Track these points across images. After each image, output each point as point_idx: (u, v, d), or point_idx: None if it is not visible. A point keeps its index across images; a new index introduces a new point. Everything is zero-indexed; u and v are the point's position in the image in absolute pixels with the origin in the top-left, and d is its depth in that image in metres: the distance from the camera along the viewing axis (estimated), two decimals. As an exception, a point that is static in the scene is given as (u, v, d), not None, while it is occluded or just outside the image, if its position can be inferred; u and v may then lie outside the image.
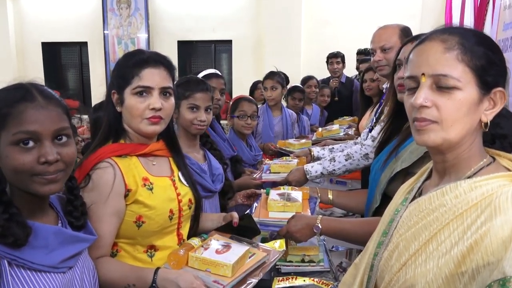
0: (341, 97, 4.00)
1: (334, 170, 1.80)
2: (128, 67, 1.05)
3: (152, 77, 1.04)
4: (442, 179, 0.73)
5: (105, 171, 1.00)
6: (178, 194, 1.12)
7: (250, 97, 2.40)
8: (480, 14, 2.95)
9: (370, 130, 1.94)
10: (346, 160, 1.79)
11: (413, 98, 0.69)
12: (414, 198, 0.77)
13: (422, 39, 0.72)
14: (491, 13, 2.69)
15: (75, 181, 0.88)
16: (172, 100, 1.08)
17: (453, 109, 0.65)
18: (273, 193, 1.49)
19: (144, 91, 1.04)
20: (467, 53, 0.66)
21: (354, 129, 3.13)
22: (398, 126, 1.29)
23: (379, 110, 1.92)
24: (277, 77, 2.80)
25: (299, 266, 1.26)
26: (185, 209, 1.14)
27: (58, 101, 0.79)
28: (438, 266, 0.63)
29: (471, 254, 0.60)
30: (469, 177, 0.68)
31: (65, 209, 0.85)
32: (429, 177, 0.79)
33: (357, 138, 2.51)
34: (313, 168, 1.80)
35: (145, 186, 1.05)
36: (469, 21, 3.23)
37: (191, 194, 1.17)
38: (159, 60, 1.06)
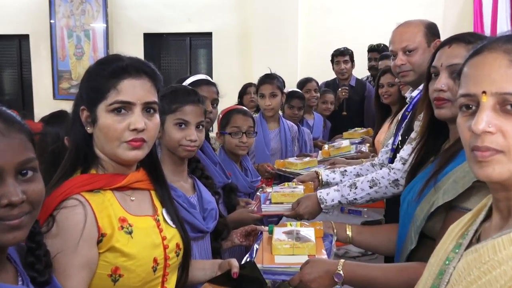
0: (351, 105, 4.06)
1: (355, 199, 1.81)
2: (103, 78, 1.04)
3: (133, 90, 1.04)
4: (507, 221, 0.72)
5: (73, 211, 0.98)
6: (163, 238, 1.11)
7: (245, 108, 2.44)
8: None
9: (393, 150, 1.98)
10: (371, 187, 1.80)
11: (472, 122, 0.69)
12: (470, 243, 0.77)
13: (478, 48, 0.73)
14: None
15: (37, 225, 0.86)
16: (157, 117, 1.09)
17: None
18: (278, 232, 1.46)
19: (123, 107, 1.03)
20: None
21: (368, 145, 3.19)
22: (435, 146, 1.31)
23: (404, 124, 1.96)
24: (277, 82, 2.86)
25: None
26: (172, 257, 1.12)
27: (20, 125, 0.78)
28: None
29: None
30: None
31: (25, 261, 0.84)
32: (487, 216, 0.79)
33: (373, 157, 2.62)
34: (329, 196, 1.81)
35: (122, 229, 1.03)
36: (503, 9, 3.32)
37: (178, 237, 1.16)
38: (142, 69, 1.07)
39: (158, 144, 1.42)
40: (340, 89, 4.02)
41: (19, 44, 6.59)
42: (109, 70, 1.05)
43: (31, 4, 6.26)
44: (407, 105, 2.02)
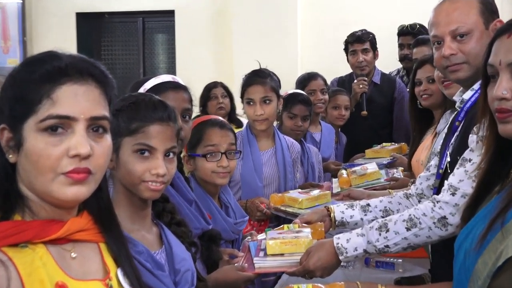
0: (374, 109, 4.14)
1: (387, 246, 1.86)
2: (31, 83, 1.05)
3: (74, 101, 1.06)
4: None
5: None
6: None
7: (221, 118, 2.50)
8: None
9: (439, 176, 2.02)
10: (408, 229, 1.85)
11: None
12: None
13: None
14: None
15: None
16: (108, 139, 1.11)
17: None
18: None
19: (61, 125, 1.05)
20: None
21: (401, 168, 3.28)
22: (501, 171, 1.36)
23: (454, 139, 2.01)
24: (270, 81, 2.91)
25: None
26: None
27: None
28: None
29: None
30: None
31: None
32: None
33: (412, 183, 2.67)
34: (350, 244, 1.86)
35: None
36: None
37: None
38: (87, 70, 1.09)
39: (109, 177, 1.44)
40: (356, 81, 4.11)
41: None
42: (40, 73, 1.05)
43: None
44: (457, 112, 2.05)
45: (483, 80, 1.39)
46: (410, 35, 4.45)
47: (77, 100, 1.06)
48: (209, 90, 4.23)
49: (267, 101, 2.87)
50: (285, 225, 2.22)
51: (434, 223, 1.83)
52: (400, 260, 2.45)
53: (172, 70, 6.35)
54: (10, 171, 1.09)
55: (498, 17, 1.94)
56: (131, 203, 1.53)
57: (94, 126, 1.08)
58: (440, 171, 2.03)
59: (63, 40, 6.29)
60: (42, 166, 1.04)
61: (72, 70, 1.07)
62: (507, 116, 1.27)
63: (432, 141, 2.73)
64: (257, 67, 3.06)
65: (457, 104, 2.01)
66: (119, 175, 1.51)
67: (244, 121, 3.86)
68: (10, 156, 1.07)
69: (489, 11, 1.91)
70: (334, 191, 2.99)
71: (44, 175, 1.05)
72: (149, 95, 1.63)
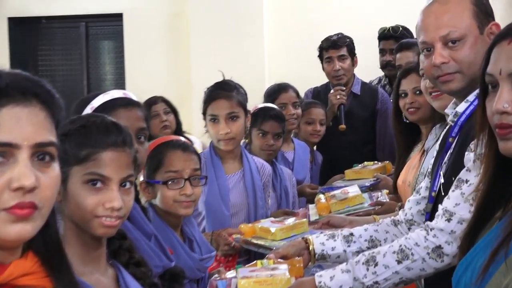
0: (354, 123, 4.21)
1: (377, 282, 1.90)
2: None
3: (16, 125, 1.06)
4: None
5: None
6: None
7: (183, 139, 2.52)
8: None
9: (433, 200, 2.07)
10: (399, 261, 1.89)
11: None
12: None
13: None
14: None
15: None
16: (55, 168, 1.11)
17: None
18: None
19: (1, 154, 1.05)
20: None
21: (386, 192, 3.34)
22: (503, 194, 1.39)
23: (448, 158, 2.06)
24: (236, 94, 2.97)
25: None
26: None
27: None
28: None
29: None
30: None
31: None
32: None
33: (399, 208, 2.75)
34: (334, 282, 1.89)
35: None
36: None
37: None
38: (31, 90, 1.10)
39: (57, 211, 1.39)
40: (332, 92, 4.15)
41: None
42: None
43: None
44: (449, 127, 2.09)
45: (481, 91, 1.41)
46: (392, 38, 4.56)
47: (20, 124, 1.06)
48: (149, 107, 4.18)
49: (234, 118, 2.93)
50: (258, 261, 2.24)
51: (428, 253, 1.87)
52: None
53: (121, 82, 6.40)
54: None
55: (494, 19, 1.99)
56: (83, 241, 1.53)
57: (40, 153, 1.08)
58: (433, 194, 2.07)
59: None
60: None
61: (14, 90, 1.08)
62: (509, 132, 1.29)
63: (420, 160, 2.79)
64: (219, 77, 3.10)
65: (450, 118, 2.05)
66: (68, 209, 1.51)
67: (194, 139, 3.95)
68: None
69: (484, 14, 1.96)
70: (312, 218, 3.03)
71: None
72: (100, 117, 1.63)
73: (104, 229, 1.50)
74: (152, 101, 4.38)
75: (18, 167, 1.05)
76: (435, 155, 2.21)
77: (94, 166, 1.49)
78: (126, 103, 2.01)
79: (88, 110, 1.91)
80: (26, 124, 1.07)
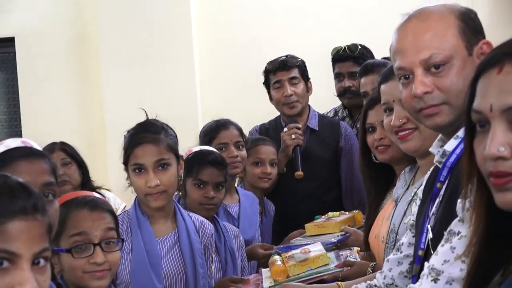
0: (314, 167, 4.05)
1: None
2: None
3: None
4: None
5: None
6: None
7: (96, 196, 2.49)
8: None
9: (419, 260, 2.08)
10: None
11: None
12: None
13: None
14: None
15: None
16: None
17: None
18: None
19: None
20: None
21: (356, 249, 3.31)
22: (503, 251, 1.41)
23: (436, 207, 2.05)
24: (165, 136, 2.88)
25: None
26: None
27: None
28: None
29: None
30: None
31: None
32: None
33: (372, 269, 2.78)
34: None
35: None
36: None
37: None
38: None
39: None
40: (285, 130, 3.95)
41: None
42: None
43: None
44: (434, 169, 2.09)
45: (466, 132, 1.40)
46: (350, 60, 4.43)
47: None
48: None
49: (164, 166, 2.79)
50: None
51: None
52: None
53: (15, 122, 6.25)
54: None
55: (484, 37, 1.96)
56: None
57: None
58: (420, 252, 2.06)
59: None
60: None
61: None
62: (507, 182, 1.29)
63: (393, 208, 2.75)
64: (140, 116, 2.95)
65: (437, 159, 2.01)
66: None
67: (110, 195, 4.00)
68: None
69: (472, 30, 1.92)
70: (265, 286, 2.95)
71: None
72: (3, 177, 1.53)
73: None
74: (48, 149, 4.00)
75: None
76: (418, 203, 2.23)
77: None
78: (27, 153, 1.97)
79: None
80: None
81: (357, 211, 3.65)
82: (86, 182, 4.32)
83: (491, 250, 1.38)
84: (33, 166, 1.93)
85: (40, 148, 2.05)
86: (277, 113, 4.30)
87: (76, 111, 6.04)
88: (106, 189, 4.42)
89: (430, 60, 1.83)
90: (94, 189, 4.16)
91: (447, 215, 1.88)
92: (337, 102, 4.73)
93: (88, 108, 6.00)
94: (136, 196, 2.93)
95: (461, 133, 1.85)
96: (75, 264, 2.14)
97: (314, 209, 3.78)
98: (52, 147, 4.26)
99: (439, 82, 1.85)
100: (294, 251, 3.16)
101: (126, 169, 2.88)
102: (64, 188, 3.91)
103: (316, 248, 3.13)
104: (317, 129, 4.13)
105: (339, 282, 2.71)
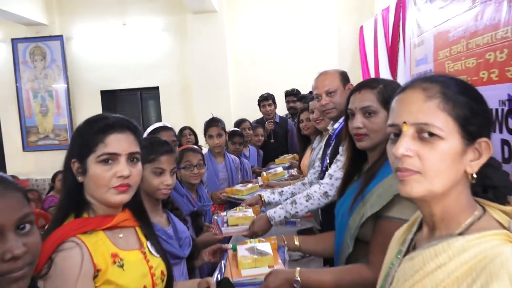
0: (277, 137, 6.44)
1: (297, 212, 2.60)
2: (91, 134, 1.48)
3: (118, 143, 1.48)
4: (433, 234, 1.14)
5: (71, 253, 1.38)
6: (150, 268, 1.61)
7: (195, 146, 3.41)
8: (392, 52, 5.12)
9: (323, 172, 2.78)
10: (307, 201, 2.57)
11: (394, 148, 1.08)
12: (407, 250, 1.21)
13: (403, 87, 1.15)
14: (403, 51, 4.70)
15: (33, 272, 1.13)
16: (139, 166, 1.52)
17: (436, 159, 1.04)
18: (241, 249, 2.24)
19: (111, 159, 1.47)
20: (449, 102, 1.06)
21: (296, 169, 4.93)
22: (357, 167, 1.94)
23: (330, 150, 2.78)
24: (221, 124, 4.21)
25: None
26: (158, 283, 1.63)
27: (14, 184, 1.14)
28: None
29: None
30: (460, 233, 1.07)
31: None
32: (420, 227, 1.22)
33: (303, 177, 3.92)
34: (276, 214, 2.61)
35: (115, 264, 1.46)
36: (383, 59, 5.55)
37: (163, 265, 1.67)
38: (125, 125, 1.50)
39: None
40: (267, 123, 6.39)
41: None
42: (97, 127, 1.46)
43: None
44: (329, 136, 2.79)
45: (345, 118, 1.87)
46: (292, 95, 6.94)
47: (120, 143, 1.46)
48: (181, 131, 5.52)
49: (220, 136, 4.18)
50: (237, 207, 2.99)
51: (321, 195, 2.53)
52: (299, 220, 3.52)
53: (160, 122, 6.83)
54: (80, 187, 1.49)
55: (349, 82, 2.70)
56: (150, 201, 1.92)
57: (131, 158, 1.48)
58: (324, 169, 2.78)
59: (93, 108, 8.95)
60: (100, 184, 1.45)
61: (117, 125, 1.47)
62: (361, 138, 1.78)
63: (311, 153, 3.79)
64: (210, 116, 4.34)
65: (330, 131, 2.78)
66: (143, 187, 1.82)
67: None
68: (79, 178, 1.48)
69: (345, 79, 2.68)
70: (259, 183, 4.12)
71: (101, 189, 1.45)
72: (158, 138, 1.94)
73: (163, 196, 2.00)
74: (183, 128, 5.64)
75: (120, 165, 1.46)
76: (322, 149, 3.00)
77: (157, 164, 1.96)
78: (165, 128, 2.68)
79: None
80: (123, 143, 1.49)
81: (295, 154, 5.72)
82: None
83: (352, 165, 1.90)
84: (167, 133, 2.29)
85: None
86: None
87: (185, 121, 8.53)
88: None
89: (328, 90, 2.49)
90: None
91: (334, 154, 2.60)
92: (285, 111, 7.15)
93: (189, 119, 8.98)
94: (209, 147, 4.08)
95: (340, 120, 2.62)
96: (186, 174, 2.59)
97: (278, 154, 6.20)
98: (186, 128, 5.63)
99: (332, 100, 2.53)
100: (270, 170, 4.74)
101: (204, 136, 4.23)
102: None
103: (279, 169, 4.61)
104: (278, 122, 6.55)
105: (290, 181, 4.08)
